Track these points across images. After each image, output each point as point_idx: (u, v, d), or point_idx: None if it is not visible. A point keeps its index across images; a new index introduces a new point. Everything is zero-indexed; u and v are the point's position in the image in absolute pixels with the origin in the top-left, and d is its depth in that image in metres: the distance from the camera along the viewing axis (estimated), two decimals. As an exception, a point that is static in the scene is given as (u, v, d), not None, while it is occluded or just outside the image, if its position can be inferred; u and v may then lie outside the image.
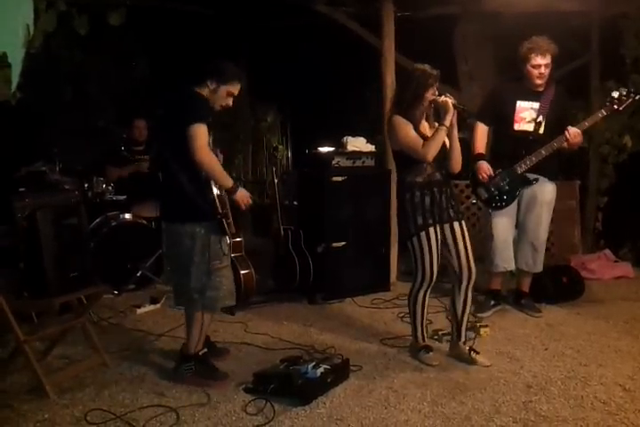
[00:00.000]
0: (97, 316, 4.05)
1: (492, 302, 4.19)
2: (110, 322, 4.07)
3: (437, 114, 3.24)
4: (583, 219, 5.83)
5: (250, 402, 2.79)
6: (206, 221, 2.97)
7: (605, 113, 3.81)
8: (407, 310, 4.19)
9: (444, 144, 3.20)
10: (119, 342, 3.63)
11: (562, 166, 4.14)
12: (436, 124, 3.25)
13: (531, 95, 3.94)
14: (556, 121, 3.89)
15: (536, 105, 3.92)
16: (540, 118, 3.91)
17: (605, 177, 6.05)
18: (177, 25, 6.56)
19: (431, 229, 3.18)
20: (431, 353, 3.32)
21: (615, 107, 3.77)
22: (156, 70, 7.02)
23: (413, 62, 6.20)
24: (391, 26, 5.07)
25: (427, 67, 3.14)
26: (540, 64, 3.83)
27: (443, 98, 3.14)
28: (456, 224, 3.25)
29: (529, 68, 3.86)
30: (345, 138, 4.83)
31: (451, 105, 3.12)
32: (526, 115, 3.95)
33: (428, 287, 3.28)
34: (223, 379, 3.03)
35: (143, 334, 3.83)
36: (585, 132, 5.24)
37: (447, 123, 3.13)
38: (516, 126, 3.96)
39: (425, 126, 3.26)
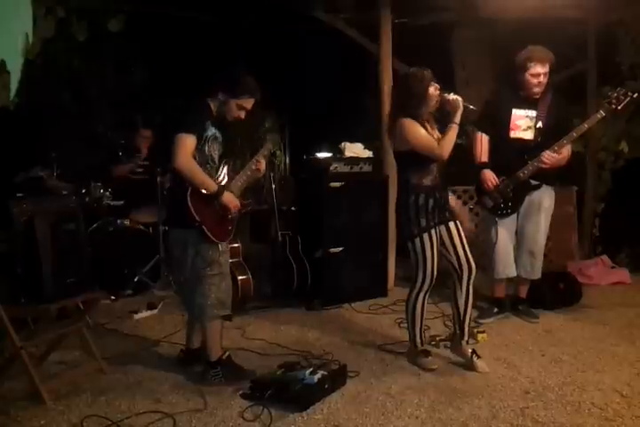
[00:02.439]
0: (94, 321, 4.04)
1: (496, 310, 4.20)
2: (107, 328, 4.07)
3: (440, 115, 3.26)
4: (580, 225, 5.84)
5: (247, 408, 2.78)
6: (192, 227, 2.97)
7: (604, 113, 3.77)
8: (405, 316, 4.21)
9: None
10: (116, 348, 3.63)
11: (559, 172, 4.15)
12: (436, 128, 3.27)
13: (527, 103, 3.95)
14: (555, 127, 3.89)
15: (533, 113, 3.93)
16: (540, 124, 3.92)
17: (602, 183, 6.07)
18: (176, 31, 6.58)
19: (432, 231, 3.21)
20: (430, 357, 3.32)
21: (614, 107, 3.75)
22: (154, 76, 7.03)
23: (410, 68, 6.21)
24: (389, 32, 5.11)
25: (415, 69, 3.16)
26: (540, 73, 3.83)
27: (452, 96, 3.17)
28: (451, 224, 3.29)
29: (527, 76, 3.85)
30: (343, 144, 4.84)
31: (461, 103, 3.17)
32: (522, 123, 3.96)
33: (428, 289, 3.29)
34: (251, 377, 3.02)
35: (140, 340, 3.82)
36: (582, 139, 5.24)
37: (458, 120, 3.17)
38: (512, 134, 3.97)
39: (427, 128, 3.25)
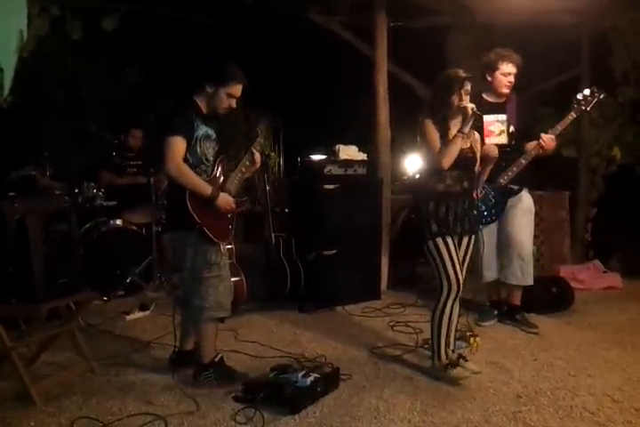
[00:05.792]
0: (85, 322, 4.02)
1: (496, 312, 4.21)
2: (99, 329, 4.04)
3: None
4: (573, 229, 5.87)
5: (239, 411, 2.76)
6: (192, 229, 2.96)
7: (575, 115, 3.83)
8: (398, 319, 4.21)
9: (469, 152, 3.13)
10: (107, 349, 3.60)
11: (534, 175, 4.15)
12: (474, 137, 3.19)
13: (494, 108, 3.94)
14: (525, 129, 3.92)
15: (503, 117, 3.93)
16: (512, 129, 3.94)
17: (595, 188, 6.11)
18: (171, 31, 6.58)
19: (448, 238, 3.09)
20: (457, 368, 3.11)
21: (583, 108, 3.82)
22: (149, 75, 7.02)
23: (406, 72, 6.24)
24: (384, 35, 5.12)
25: (455, 71, 3.06)
26: (511, 73, 3.88)
27: (463, 104, 3.02)
28: (465, 238, 3.19)
29: (499, 76, 3.89)
30: (337, 146, 4.84)
31: (470, 111, 3.00)
32: (494, 128, 3.95)
33: (455, 296, 3.12)
34: (243, 379, 3.00)
35: (132, 341, 3.79)
36: (574, 144, 5.26)
37: (465, 130, 3.02)
38: (487, 140, 3.92)
39: (449, 135, 3.12)
